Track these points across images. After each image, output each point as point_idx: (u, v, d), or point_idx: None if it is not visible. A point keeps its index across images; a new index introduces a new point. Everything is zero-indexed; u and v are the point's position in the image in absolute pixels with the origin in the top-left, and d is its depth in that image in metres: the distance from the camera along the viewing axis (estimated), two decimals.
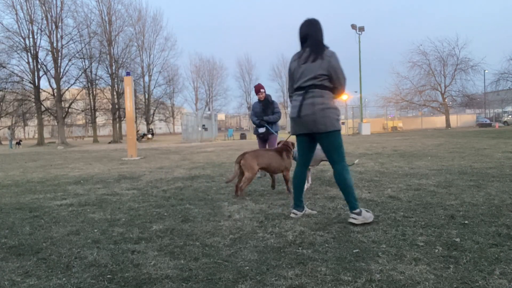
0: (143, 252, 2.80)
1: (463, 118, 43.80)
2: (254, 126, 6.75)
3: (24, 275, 2.44)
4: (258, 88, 6.67)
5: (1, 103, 36.70)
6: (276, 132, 6.62)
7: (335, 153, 3.39)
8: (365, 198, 4.39)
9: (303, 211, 3.68)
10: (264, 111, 6.57)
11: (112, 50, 39.40)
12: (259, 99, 6.67)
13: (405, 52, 38.51)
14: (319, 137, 3.40)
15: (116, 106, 39.05)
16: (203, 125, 29.84)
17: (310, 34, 3.45)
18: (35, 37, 32.08)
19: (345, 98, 32.20)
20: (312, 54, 3.37)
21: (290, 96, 3.63)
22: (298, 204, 3.67)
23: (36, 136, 41.65)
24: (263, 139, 6.71)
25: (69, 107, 34.96)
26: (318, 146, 3.60)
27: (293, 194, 3.73)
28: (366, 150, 11.97)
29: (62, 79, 32.97)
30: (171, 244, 2.98)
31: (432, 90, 39.75)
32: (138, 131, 38.41)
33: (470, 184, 4.98)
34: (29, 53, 32.22)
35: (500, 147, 10.39)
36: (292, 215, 3.66)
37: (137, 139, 27.56)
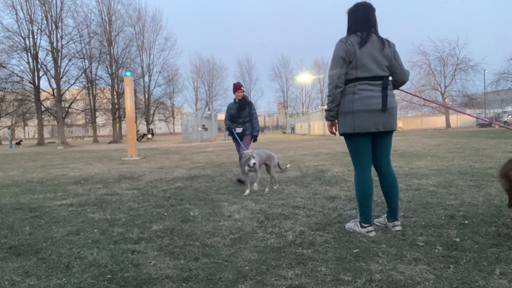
0: (143, 252, 2.80)
1: (463, 118, 43.84)
2: (228, 126, 6.27)
3: (24, 275, 2.44)
4: (238, 86, 6.23)
5: (1, 103, 36.70)
6: (258, 132, 6.25)
7: (389, 154, 3.15)
8: None
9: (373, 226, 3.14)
10: (239, 112, 6.16)
11: (112, 50, 39.40)
12: (235, 99, 6.25)
13: (405, 52, 38.46)
14: (385, 135, 3.07)
15: (116, 106, 39.06)
16: (203, 125, 29.85)
17: (372, 19, 3.01)
18: (35, 37, 32.12)
19: None
20: (381, 41, 3.00)
21: (339, 87, 2.98)
22: (369, 219, 3.06)
23: (36, 136, 41.65)
24: (237, 138, 6.21)
25: (69, 107, 34.98)
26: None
27: (362, 207, 3.05)
28: None
29: (62, 79, 32.99)
30: (171, 244, 2.98)
31: (432, 90, 39.78)
32: (138, 131, 38.44)
33: (470, 184, 4.98)
34: (29, 53, 32.25)
35: (500, 147, 10.39)
36: (371, 233, 2.99)
37: (137, 139, 27.58)
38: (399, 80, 3.12)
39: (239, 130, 6.20)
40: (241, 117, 6.20)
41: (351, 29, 3.05)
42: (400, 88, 3.32)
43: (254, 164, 4.96)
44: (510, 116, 42.43)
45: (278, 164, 5.61)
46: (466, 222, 3.23)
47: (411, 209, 3.76)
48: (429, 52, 38.72)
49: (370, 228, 3.00)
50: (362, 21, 3.00)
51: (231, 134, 6.27)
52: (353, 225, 3.12)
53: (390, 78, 3.11)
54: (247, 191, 5.02)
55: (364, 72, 2.94)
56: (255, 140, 6.36)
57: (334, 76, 2.98)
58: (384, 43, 3.01)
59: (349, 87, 2.99)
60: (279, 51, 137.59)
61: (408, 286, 2.07)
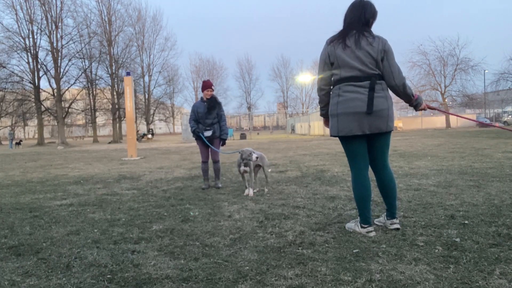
0: (143, 252, 2.80)
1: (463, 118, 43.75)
2: (194, 129, 5.78)
3: (24, 275, 2.44)
4: (209, 85, 5.77)
5: (1, 103, 36.72)
6: (227, 135, 5.87)
7: (387, 155, 3.11)
8: None
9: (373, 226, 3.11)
10: (209, 111, 5.71)
11: (112, 50, 39.45)
12: (202, 98, 5.81)
13: (405, 52, 38.70)
14: (379, 137, 3.01)
15: (116, 106, 39.08)
16: None
17: (360, 17, 2.95)
18: (35, 37, 32.19)
19: None
20: (367, 37, 2.90)
21: (322, 89, 3.02)
22: (369, 220, 3.03)
23: (36, 136, 41.67)
24: (207, 142, 5.74)
25: (69, 107, 34.99)
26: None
27: (360, 208, 3.04)
28: None
29: (62, 79, 33.04)
30: (171, 244, 2.98)
31: (432, 90, 39.81)
32: (138, 131, 38.44)
33: (470, 184, 4.97)
34: (29, 53, 32.30)
35: (500, 147, 10.39)
36: (371, 233, 2.97)
37: (137, 139, 27.57)
38: (386, 83, 2.96)
39: (208, 133, 5.72)
40: (210, 118, 5.73)
41: (343, 28, 3.04)
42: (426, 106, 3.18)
43: (257, 158, 4.86)
44: (510, 116, 42.42)
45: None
46: (466, 222, 3.23)
47: (411, 209, 3.76)
48: (429, 52, 38.81)
49: (370, 228, 3.00)
50: (349, 19, 2.98)
51: (199, 138, 5.77)
52: (353, 225, 3.12)
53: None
54: (246, 191, 4.98)
55: (348, 71, 2.88)
56: (223, 143, 5.93)
57: (318, 79, 3.05)
58: (369, 40, 2.89)
59: (335, 89, 2.96)
60: (279, 51, 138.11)
61: (408, 286, 2.07)
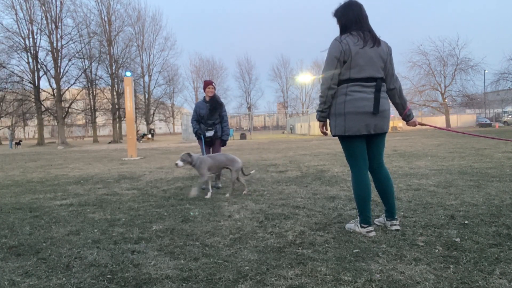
0: (143, 252, 2.80)
1: (463, 118, 43.83)
2: (196, 130, 5.82)
3: (24, 275, 2.44)
4: (209, 82, 5.81)
5: (1, 103, 36.70)
6: (228, 136, 5.96)
7: (383, 154, 3.15)
8: None
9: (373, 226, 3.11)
10: (211, 113, 5.73)
11: (112, 50, 39.44)
12: (205, 98, 5.84)
13: (405, 52, 38.82)
14: (378, 137, 3.05)
15: (116, 106, 39.07)
16: None
17: (364, 17, 2.95)
18: (35, 37, 32.16)
19: None
20: (377, 40, 2.91)
21: (332, 88, 2.92)
22: (369, 220, 3.03)
23: (36, 136, 41.67)
24: (210, 143, 5.86)
25: (69, 107, 34.97)
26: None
27: (361, 208, 3.03)
28: None
29: (62, 79, 33.01)
30: (171, 244, 2.98)
31: (432, 90, 39.82)
32: (138, 131, 38.45)
33: (470, 184, 4.97)
34: (29, 53, 32.27)
35: (500, 147, 10.39)
36: (371, 233, 2.97)
37: (137, 139, 27.57)
38: (387, 86, 3.01)
39: (209, 133, 5.74)
40: (212, 119, 5.74)
41: (345, 30, 2.98)
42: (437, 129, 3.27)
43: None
44: (510, 116, 42.45)
45: (242, 169, 5.20)
46: (466, 222, 3.23)
47: (411, 209, 3.76)
48: (429, 52, 38.83)
49: (370, 228, 3.00)
50: (355, 20, 2.92)
51: (200, 138, 5.78)
52: (353, 225, 3.11)
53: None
54: (208, 194, 4.90)
55: (358, 73, 2.87)
56: (224, 144, 5.94)
57: (328, 77, 2.91)
58: (380, 43, 2.94)
59: (342, 88, 2.92)
60: (279, 51, 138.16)
61: (408, 286, 2.07)
